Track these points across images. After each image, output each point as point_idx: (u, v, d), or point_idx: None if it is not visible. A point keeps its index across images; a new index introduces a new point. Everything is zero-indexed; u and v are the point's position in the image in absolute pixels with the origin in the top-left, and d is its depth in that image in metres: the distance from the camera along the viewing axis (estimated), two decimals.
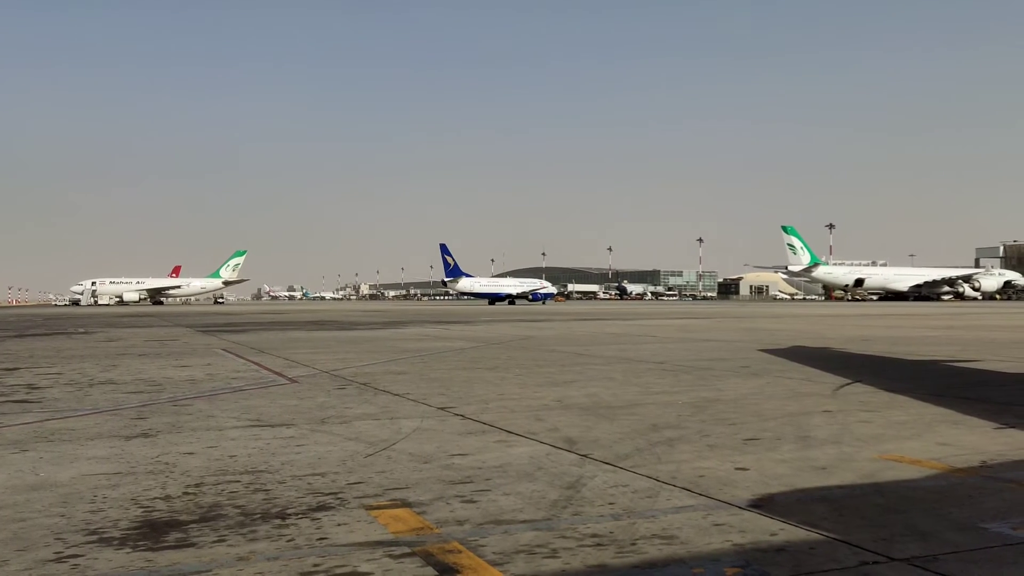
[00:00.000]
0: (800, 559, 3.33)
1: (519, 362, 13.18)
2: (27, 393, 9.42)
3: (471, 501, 4.29)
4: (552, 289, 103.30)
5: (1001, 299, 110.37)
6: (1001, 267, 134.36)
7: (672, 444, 5.85)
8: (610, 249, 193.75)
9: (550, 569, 3.25)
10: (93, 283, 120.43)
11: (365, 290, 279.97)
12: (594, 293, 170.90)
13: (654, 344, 17.98)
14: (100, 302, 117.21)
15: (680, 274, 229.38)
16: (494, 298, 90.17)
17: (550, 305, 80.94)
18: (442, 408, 7.79)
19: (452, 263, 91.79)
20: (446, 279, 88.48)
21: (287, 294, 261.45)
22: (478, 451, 5.65)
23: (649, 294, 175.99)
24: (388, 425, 6.81)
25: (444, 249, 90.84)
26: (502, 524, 3.86)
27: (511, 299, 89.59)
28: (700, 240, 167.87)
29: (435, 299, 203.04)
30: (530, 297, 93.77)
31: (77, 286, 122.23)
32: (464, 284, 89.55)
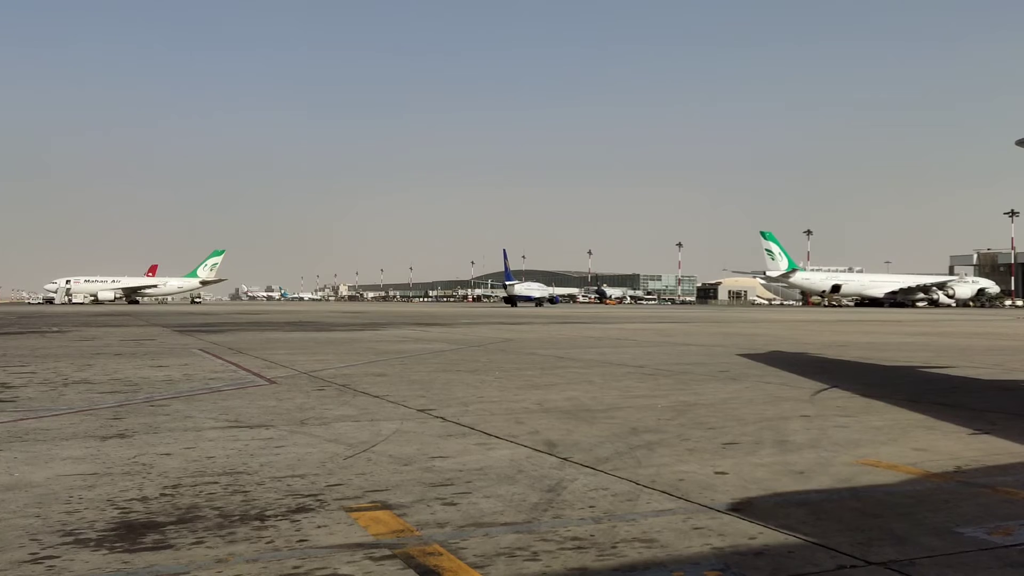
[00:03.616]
0: (779, 562, 3.35)
1: (499, 365, 13.18)
2: (0, 392, 9.28)
3: (452, 503, 4.28)
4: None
5: (975, 306, 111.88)
6: (975, 275, 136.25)
7: (652, 448, 5.87)
8: (590, 253, 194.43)
9: (531, 572, 3.25)
10: (67, 281, 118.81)
11: (344, 291, 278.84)
12: (573, 296, 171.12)
13: (633, 348, 18.05)
14: (74, 300, 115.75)
15: (659, 278, 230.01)
16: (521, 300, 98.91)
17: (546, 308, 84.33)
18: (422, 410, 7.77)
19: (506, 270, 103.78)
20: (507, 283, 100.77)
21: (265, 294, 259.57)
22: (458, 453, 5.65)
23: (628, 298, 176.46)
24: (368, 427, 6.78)
25: (505, 255, 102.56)
26: (483, 527, 3.86)
27: (539, 302, 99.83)
28: (679, 245, 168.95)
29: (414, 300, 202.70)
30: (555, 300, 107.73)
31: (51, 284, 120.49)
32: (518, 289, 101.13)
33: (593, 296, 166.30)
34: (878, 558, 3.41)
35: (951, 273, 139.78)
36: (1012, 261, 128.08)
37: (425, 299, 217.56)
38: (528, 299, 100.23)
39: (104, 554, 3.43)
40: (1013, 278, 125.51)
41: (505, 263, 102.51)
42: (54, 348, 17.53)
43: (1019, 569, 3.31)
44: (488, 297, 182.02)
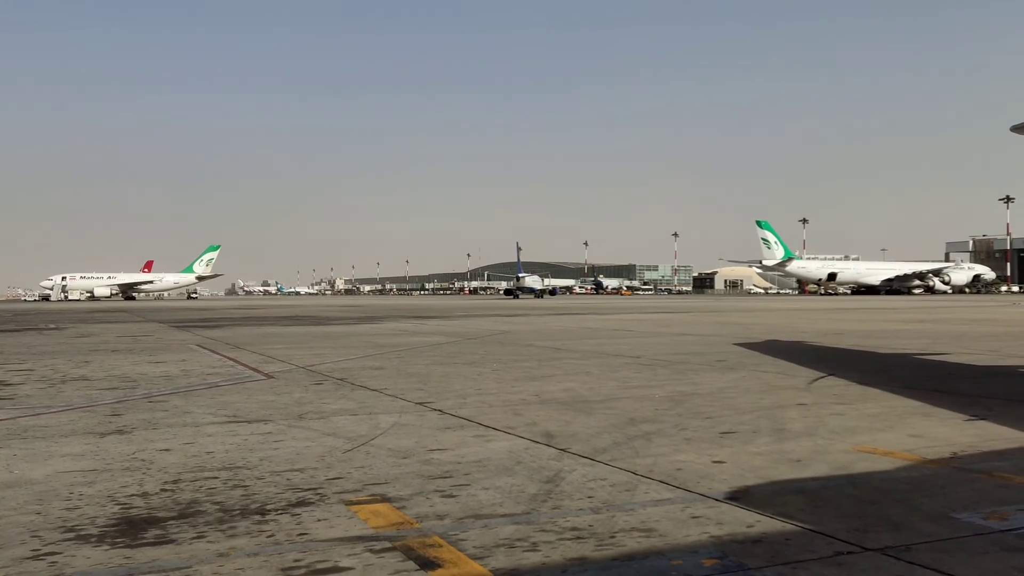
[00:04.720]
0: (776, 550, 3.38)
1: (496, 357, 13.19)
2: None
3: (451, 496, 4.30)
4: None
5: (970, 293, 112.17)
6: (970, 261, 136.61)
7: (649, 438, 5.90)
8: (586, 244, 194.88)
9: (530, 563, 3.27)
10: (63, 278, 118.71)
11: (340, 285, 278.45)
12: (570, 288, 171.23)
13: (630, 338, 18.07)
14: (71, 297, 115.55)
15: (655, 268, 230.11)
16: (523, 292, 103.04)
17: (545, 300, 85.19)
18: (420, 403, 7.79)
19: (519, 263, 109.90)
20: (519, 275, 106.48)
21: (261, 289, 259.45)
22: (457, 446, 5.66)
23: (625, 288, 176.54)
24: (366, 420, 6.80)
25: (518, 248, 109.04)
26: (482, 518, 3.88)
27: (539, 294, 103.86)
28: (675, 234, 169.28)
29: (413, 293, 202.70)
30: (555, 292, 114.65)
31: (47, 281, 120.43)
32: (527, 281, 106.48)
33: (590, 287, 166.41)
34: (875, 544, 3.43)
35: (947, 260, 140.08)
36: (1008, 247, 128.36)
37: (422, 292, 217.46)
38: (530, 291, 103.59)
39: (106, 550, 3.45)
40: (1008, 264, 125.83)
41: (518, 256, 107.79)
42: (51, 345, 17.51)
43: (1015, 553, 3.34)
44: (485, 289, 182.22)
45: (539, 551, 3.40)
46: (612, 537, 3.56)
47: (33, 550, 3.45)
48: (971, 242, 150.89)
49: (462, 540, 3.54)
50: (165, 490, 4.47)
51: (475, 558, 3.32)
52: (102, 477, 4.79)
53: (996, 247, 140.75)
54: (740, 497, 4.20)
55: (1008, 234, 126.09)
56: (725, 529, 3.66)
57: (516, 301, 77.86)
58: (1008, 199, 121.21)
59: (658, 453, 5.34)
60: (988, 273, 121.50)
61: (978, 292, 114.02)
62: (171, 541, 3.55)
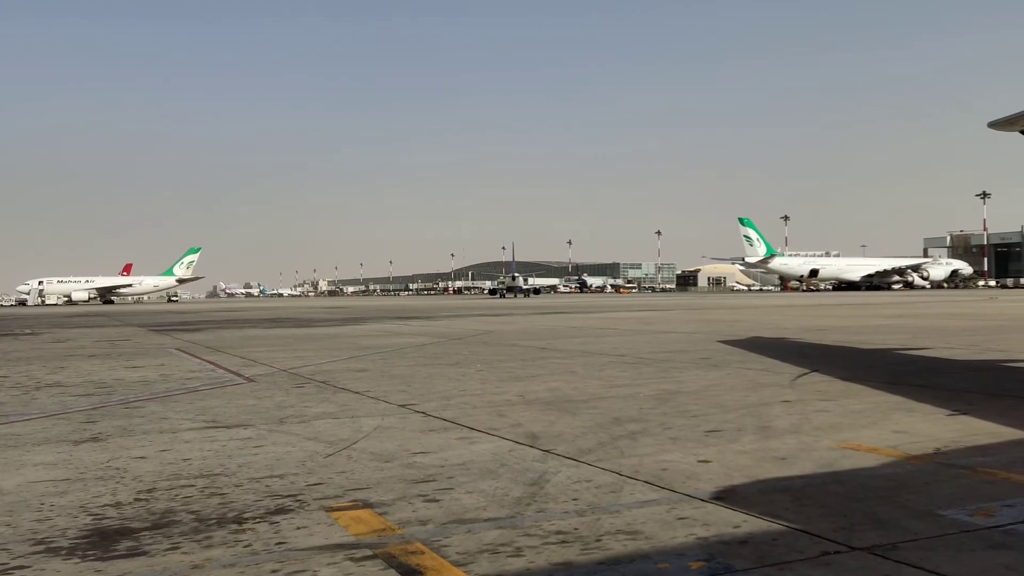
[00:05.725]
0: (763, 550, 3.33)
1: (481, 357, 13.12)
2: None
3: (434, 500, 4.23)
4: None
5: (949, 287, 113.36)
6: (948, 256, 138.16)
7: (635, 437, 5.85)
8: (569, 242, 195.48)
9: (515, 568, 3.21)
10: (40, 282, 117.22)
11: (323, 286, 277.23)
12: (554, 287, 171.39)
13: (615, 337, 18.05)
14: (48, 302, 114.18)
15: (639, 266, 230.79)
16: (508, 292, 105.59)
17: (531, 299, 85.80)
18: (403, 405, 7.70)
19: (512, 263, 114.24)
20: (514, 274, 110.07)
21: (244, 291, 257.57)
22: (440, 449, 5.59)
23: (609, 287, 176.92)
24: (348, 424, 6.71)
25: (513, 248, 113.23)
26: (465, 523, 3.81)
27: (526, 293, 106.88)
28: (658, 232, 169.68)
29: (400, 294, 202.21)
30: (538, 291, 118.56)
31: (23, 285, 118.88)
32: (511, 281, 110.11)
33: (574, 286, 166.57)
34: (861, 543, 3.39)
35: (925, 255, 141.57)
36: (984, 242, 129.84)
37: (406, 292, 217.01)
38: (515, 290, 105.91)
39: (76, 563, 3.34)
40: (986, 259, 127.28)
41: (512, 255, 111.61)
42: (26, 351, 17.25)
43: (1001, 550, 3.31)
44: (469, 289, 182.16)
45: (523, 556, 3.33)
46: (598, 540, 3.50)
47: (1, 564, 3.35)
48: (949, 238, 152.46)
49: (445, 546, 3.47)
50: (139, 499, 4.36)
51: (458, 564, 3.25)
52: (75, 487, 4.68)
53: (973, 242, 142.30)
54: (726, 497, 4.16)
55: (985, 229, 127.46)
56: (711, 530, 3.61)
57: (500, 301, 77.87)
58: (985, 195, 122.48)
59: (644, 453, 5.29)
60: (966, 268, 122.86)
61: (956, 287, 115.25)
62: (144, 553, 3.46)
